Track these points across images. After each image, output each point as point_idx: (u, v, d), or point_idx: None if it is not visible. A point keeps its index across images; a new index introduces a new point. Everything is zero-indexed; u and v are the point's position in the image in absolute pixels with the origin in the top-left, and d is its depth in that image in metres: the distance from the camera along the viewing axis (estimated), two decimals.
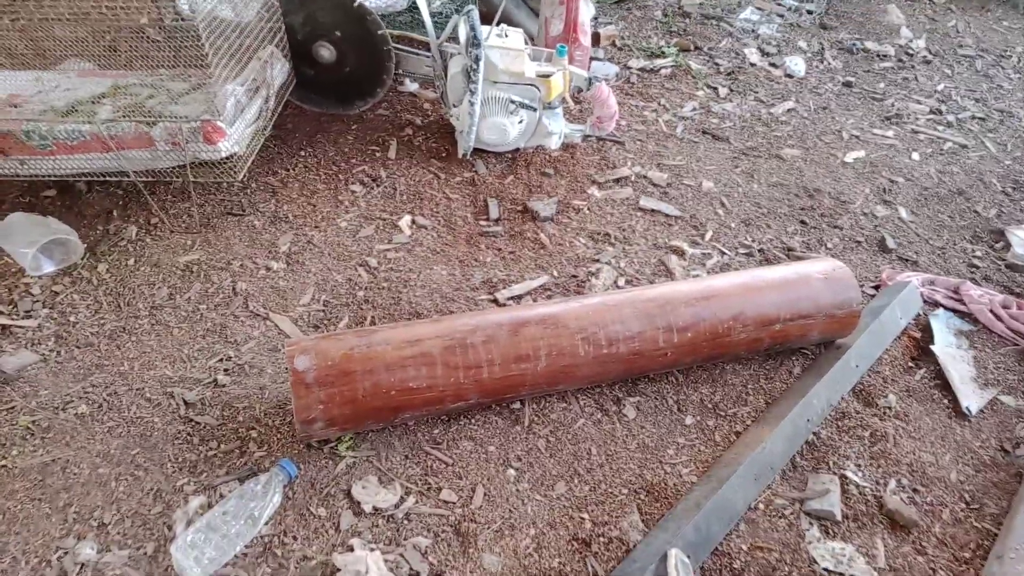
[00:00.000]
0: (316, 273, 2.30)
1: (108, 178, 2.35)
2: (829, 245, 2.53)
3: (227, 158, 2.29)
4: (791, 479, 1.78)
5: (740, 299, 1.93)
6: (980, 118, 3.33)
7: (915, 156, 3.03)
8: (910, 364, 2.11)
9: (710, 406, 1.95)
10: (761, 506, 1.71)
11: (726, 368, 2.05)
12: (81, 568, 1.51)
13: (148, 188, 2.45)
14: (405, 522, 1.63)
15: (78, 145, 2.22)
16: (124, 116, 2.29)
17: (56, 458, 1.71)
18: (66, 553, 1.53)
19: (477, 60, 2.56)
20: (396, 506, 1.66)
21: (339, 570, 1.51)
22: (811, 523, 1.67)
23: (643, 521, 1.67)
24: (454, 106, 2.81)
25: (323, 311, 2.17)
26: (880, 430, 1.89)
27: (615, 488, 1.74)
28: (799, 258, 2.44)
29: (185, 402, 1.86)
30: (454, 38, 2.78)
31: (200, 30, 2.07)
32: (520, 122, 2.74)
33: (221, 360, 1.99)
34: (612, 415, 1.91)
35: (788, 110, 3.28)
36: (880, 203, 2.75)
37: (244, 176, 2.56)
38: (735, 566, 1.58)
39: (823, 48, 3.84)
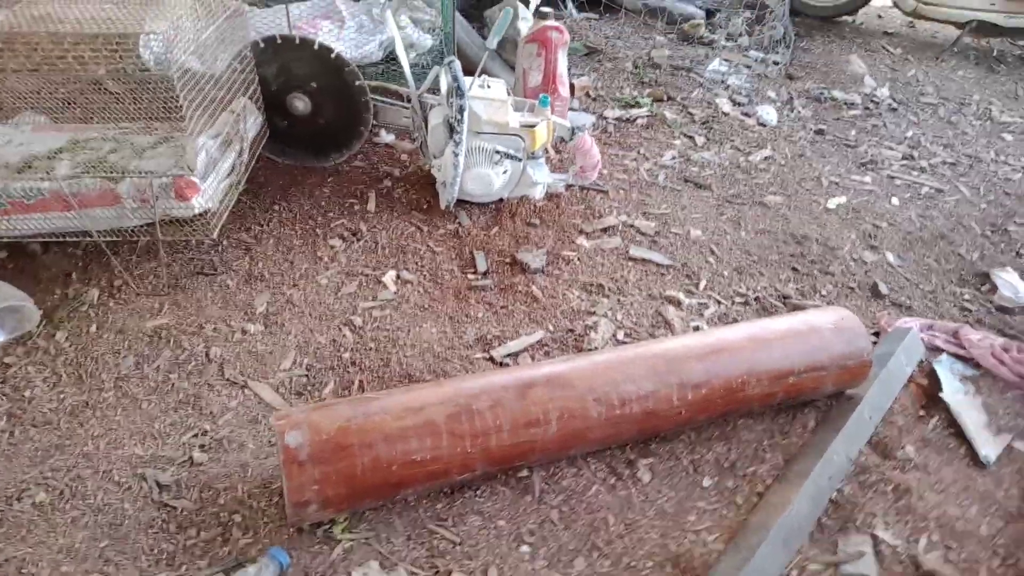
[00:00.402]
0: (297, 335, 2.15)
1: (67, 238, 2.18)
2: (823, 292, 2.49)
3: (199, 215, 2.15)
4: (820, 541, 1.68)
5: (752, 352, 1.85)
6: (951, 163, 3.40)
7: (895, 201, 3.06)
8: (921, 413, 2.05)
9: (727, 465, 1.85)
10: (794, 572, 1.60)
11: (738, 424, 1.95)
12: None
13: (111, 248, 2.29)
14: None
15: (36, 204, 2.06)
16: (86, 171, 2.13)
17: (10, 557, 1.50)
18: None
19: (461, 110, 2.49)
20: None
21: None
22: None
23: None
24: (435, 157, 2.72)
25: (306, 376, 2.02)
26: (902, 484, 1.81)
27: (638, 561, 1.61)
28: (796, 306, 2.39)
29: (159, 484, 1.68)
30: (434, 89, 2.72)
31: (175, 80, 1.95)
32: (504, 172, 2.67)
33: (196, 435, 1.82)
34: (626, 479, 1.79)
35: (765, 158, 3.30)
36: (867, 248, 2.74)
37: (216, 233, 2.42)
38: None
39: (792, 97, 3.91)
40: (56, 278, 2.27)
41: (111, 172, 2.14)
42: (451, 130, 2.60)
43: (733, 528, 1.70)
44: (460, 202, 2.72)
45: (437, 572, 1.55)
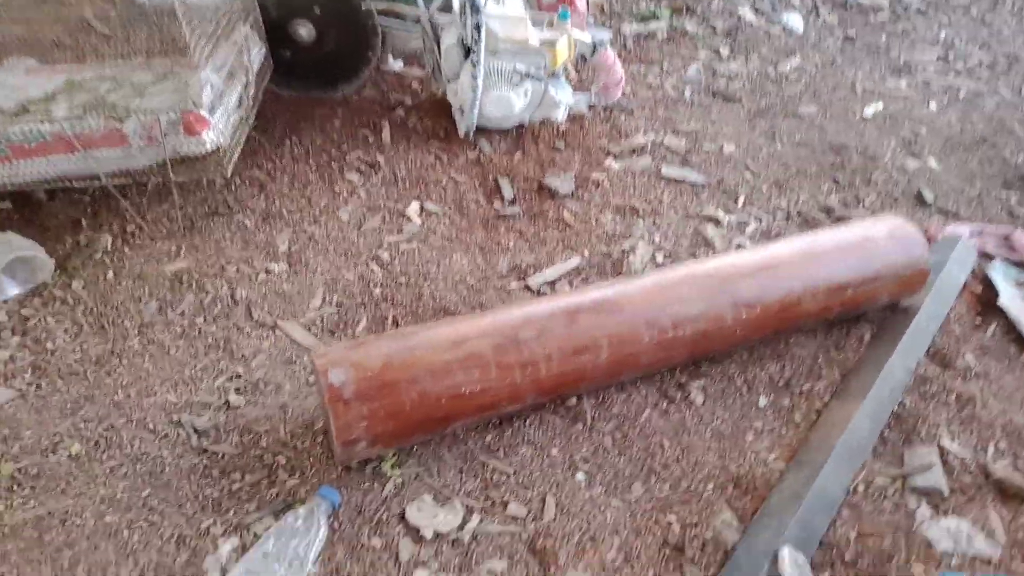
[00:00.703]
0: (323, 272, 2.06)
1: (73, 183, 2.06)
2: (867, 203, 2.38)
3: (211, 152, 2.03)
4: (884, 455, 1.62)
5: (805, 266, 1.76)
6: (988, 64, 3.22)
7: (932, 106, 2.91)
8: (977, 321, 1.97)
9: (781, 384, 1.78)
10: (861, 488, 1.54)
11: (790, 341, 1.88)
12: None
13: (120, 192, 2.18)
14: (474, 545, 1.42)
15: (38, 147, 1.94)
16: (86, 112, 2.01)
17: (52, 510, 1.45)
18: None
19: (478, 28, 2.33)
20: (460, 528, 1.45)
21: None
22: (918, 501, 1.51)
23: (737, 519, 1.49)
24: (449, 81, 2.58)
25: (338, 313, 1.94)
26: (965, 393, 1.74)
27: (698, 484, 1.56)
28: (840, 218, 2.28)
29: (196, 430, 1.62)
30: (445, 8, 2.55)
31: (177, 10, 1.80)
32: (525, 94, 2.53)
33: (230, 379, 1.75)
34: (679, 402, 1.72)
35: (795, 67, 3.13)
36: (908, 156, 2.61)
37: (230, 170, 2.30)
38: (846, 558, 1.41)
39: (816, 4, 3.70)
40: (65, 226, 2.17)
41: (113, 112, 2.01)
42: (466, 51, 2.45)
43: (793, 447, 1.64)
44: (479, 128, 2.59)
45: (493, 503, 1.50)
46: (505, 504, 1.50)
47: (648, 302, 1.64)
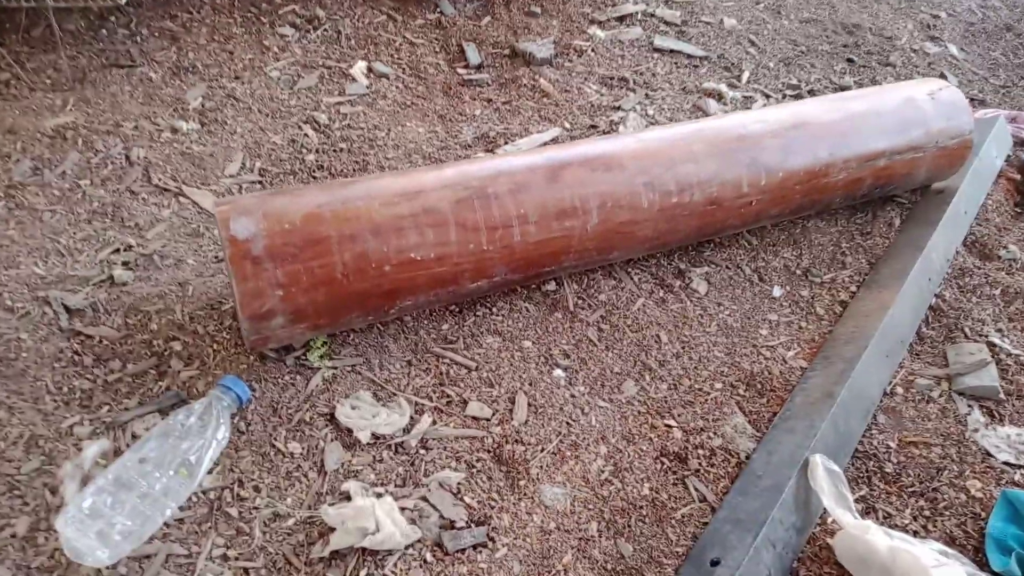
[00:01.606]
0: (244, 135, 1.67)
1: None
2: (885, 84, 2.07)
3: None
4: (923, 354, 1.35)
5: (838, 128, 1.44)
6: None
7: None
8: (1017, 210, 1.70)
9: (799, 272, 1.49)
10: (900, 390, 1.27)
11: (807, 227, 1.58)
12: None
13: None
14: (422, 452, 1.11)
15: None
16: None
17: None
18: None
19: None
20: (406, 430, 1.13)
21: (333, 529, 0.99)
22: (970, 405, 1.25)
23: (751, 423, 1.20)
24: None
25: (261, 182, 1.57)
26: (1012, 286, 1.48)
27: (703, 383, 1.26)
28: None
29: (67, 308, 1.25)
30: None
31: None
32: None
33: (118, 251, 1.38)
34: (678, 291, 1.42)
35: None
36: (928, 39, 2.30)
37: (131, 21, 1.87)
38: (887, 470, 1.15)
39: None
40: None
41: None
42: None
43: (816, 343, 1.35)
44: None
45: (449, 402, 1.18)
46: (465, 403, 1.18)
47: (651, 159, 1.31)
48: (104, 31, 1.90)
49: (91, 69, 1.80)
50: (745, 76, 2.04)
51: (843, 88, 2.03)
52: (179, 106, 1.72)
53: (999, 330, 1.39)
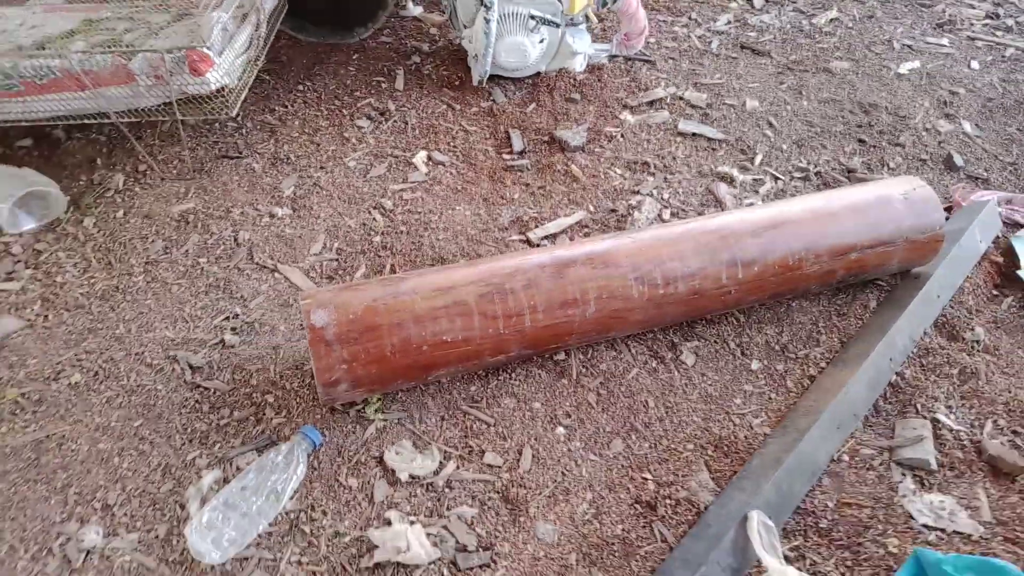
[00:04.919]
0: (326, 218, 2.07)
1: (88, 121, 2.10)
2: (891, 165, 2.28)
3: (217, 91, 2.03)
4: (876, 426, 1.58)
5: (813, 226, 1.70)
6: None
7: (974, 65, 2.74)
8: (994, 292, 1.89)
9: (778, 348, 1.75)
10: (846, 457, 1.52)
11: (792, 306, 1.83)
12: (87, 555, 1.34)
13: (133, 131, 2.21)
14: (447, 490, 1.45)
15: (49, 84, 1.97)
16: (99, 49, 2.03)
17: (50, 434, 1.52)
18: (68, 539, 1.35)
19: None
20: (435, 473, 1.47)
21: (377, 547, 1.33)
22: (903, 474, 1.48)
23: (714, 480, 1.48)
24: (465, 27, 2.53)
25: (337, 260, 1.95)
26: (969, 367, 1.68)
27: (679, 444, 1.55)
28: (861, 180, 2.19)
29: (191, 366, 1.66)
30: None
31: None
32: (541, 41, 2.46)
33: (228, 318, 1.79)
34: (669, 363, 1.70)
35: (831, 20, 2.98)
36: (942, 117, 2.48)
37: (239, 114, 2.32)
38: (821, 525, 1.40)
39: None
40: (81, 164, 2.22)
41: (124, 50, 2.02)
42: None
43: (782, 412, 1.61)
44: (493, 77, 2.54)
45: (471, 451, 1.51)
46: (482, 453, 1.51)
47: (642, 257, 1.61)
48: (217, 124, 2.35)
49: (207, 160, 2.25)
50: (758, 159, 2.29)
51: (850, 170, 2.25)
52: (275, 194, 2.14)
53: (948, 407, 1.60)
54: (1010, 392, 1.64)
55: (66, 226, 2.02)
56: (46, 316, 1.78)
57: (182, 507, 1.40)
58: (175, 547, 1.35)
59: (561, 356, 1.70)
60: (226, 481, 1.43)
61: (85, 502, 1.41)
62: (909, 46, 2.83)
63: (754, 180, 2.21)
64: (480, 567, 1.33)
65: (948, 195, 2.16)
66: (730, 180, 2.20)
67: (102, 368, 1.65)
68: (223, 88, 2.02)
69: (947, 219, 2.05)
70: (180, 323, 1.77)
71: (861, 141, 2.37)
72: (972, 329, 1.77)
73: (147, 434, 1.52)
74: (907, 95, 2.57)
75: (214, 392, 1.61)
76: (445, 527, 1.38)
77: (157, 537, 1.36)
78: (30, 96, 1.98)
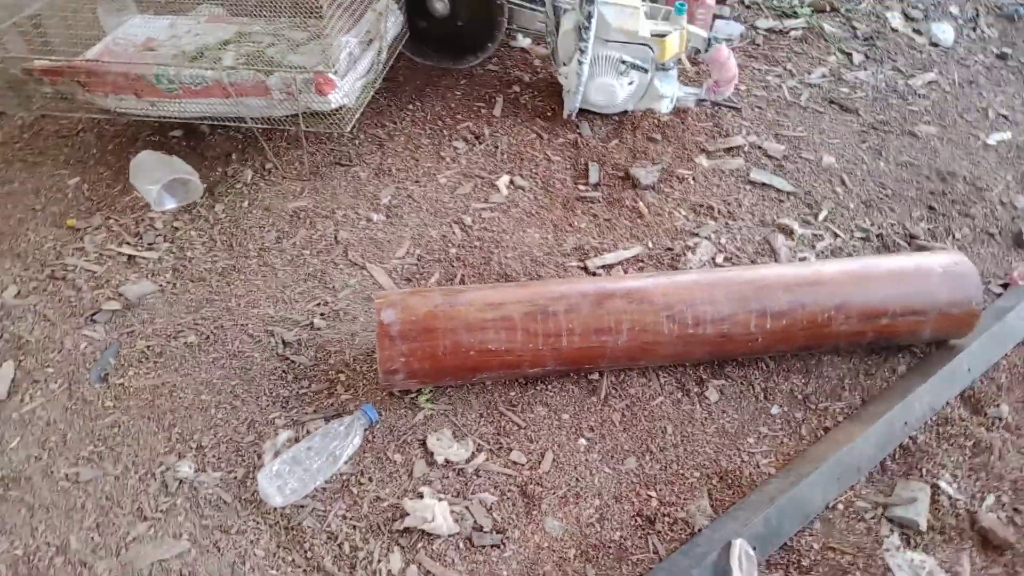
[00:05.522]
0: (413, 227, 2.35)
1: (228, 123, 2.48)
2: (957, 235, 2.31)
3: (336, 110, 2.36)
4: (878, 482, 1.68)
5: (847, 288, 1.81)
6: None
7: None
8: None
9: (800, 397, 1.87)
10: (840, 506, 1.63)
11: (823, 359, 1.94)
12: (180, 484, 1.66)
13: (264, 134, 2.58)
14: (474, 477, 1.68)
15: (201, 90, 2.36)
16: (244, 64, 2.40)
17: (165, 382, 1.87)
18: (168, 469, 1.69)
19: (589, 17, 2.48)
20: (467, 461, 1.70)
21: (408, 514, 1.58)
22: (892, 530, 1.58)
23: (712, 507, 1.64)
24: (564, 64, 2.75)
25: (416, 265, 2.23)
26: (985, 441, 1.75)
27: (687, 470, 1.71)
28: (922, 247, 2.25)
29: (283, 341, 1.98)
30: None
31: None
32: (630, 83, 2.65)
33: (319, 304, 2.10)
34: (693, 396, 1.86)
35: (929, 82, 3.00)
36: (1023, 192, 2.48)
37: (353, 128, 2.64)
38: (803, 563, 1.53)
39: (978, 14, 3.45)
40: (219, 157, 2.61)
41: (267, 65, 2.38)
42: (579, 36, 2.60)
43: (790, 457, 1.74)
44: (583, 112, 2.75)
45: (500, 447, 1.74)
46: (510, 450, 1.73)
47: (676, 297, 1.78)
48: (334, 134, 2.69)
49: (322, 165, 2.59)
50: (822, 215, 2.38)
51: (912, 236, 2.31)
52: (375, 201, 2.44)
53: (954, 475, 1.68)
54: (1021, 471, 1.69)
55: (200, 209, 2.40)
56: (175, 284, 2.15)
57: (259, 456, 1.71)
58: (248, 488, 1.65)
59: (595, 376, 1.89)
60: (296, 440, 1.73)
61: (184, 441, 1.74)
62: (1005, 116, 2.81)
63: (813, 235, 2.31)
64: (491, 547, 1.56)
65: (1008, 272, 2.18)
66: (789, 232, 2.31)
67: (213, 333, 2.00)
68: (341, 107, 2.35)
69: (999, 295, 2.09)
70: (280, 303, 2.10)
71: (931, 208, 2.41)
72: (998, 406, 1.82)
73: (240, 392, 1.85)
74: (990, 166, 2.58)
75: (299, 365, 1.92)
76: (467, 508, 1.62)
77: (236, 478, 1.67)
78: (186, 99, 2.37)
